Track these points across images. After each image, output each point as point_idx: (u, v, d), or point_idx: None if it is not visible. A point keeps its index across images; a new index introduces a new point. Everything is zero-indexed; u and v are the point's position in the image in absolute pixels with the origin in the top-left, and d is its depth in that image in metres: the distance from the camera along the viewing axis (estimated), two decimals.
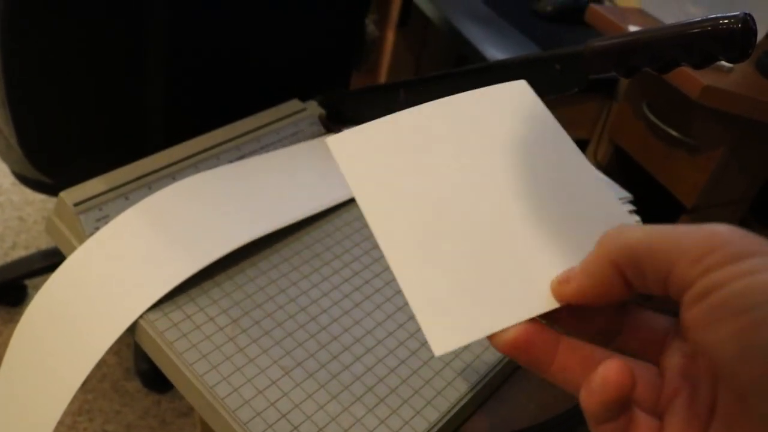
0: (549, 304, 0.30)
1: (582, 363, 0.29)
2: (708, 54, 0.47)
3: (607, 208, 0.34)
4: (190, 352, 0.51)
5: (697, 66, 0.48)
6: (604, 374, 0.27)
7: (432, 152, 0.35)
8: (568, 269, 0.31)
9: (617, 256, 0.27)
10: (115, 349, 1.38)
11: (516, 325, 0.29)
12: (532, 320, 0.30)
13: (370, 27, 1.00)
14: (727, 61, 0.46)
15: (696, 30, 0.46)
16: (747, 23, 0.45)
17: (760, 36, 1.09)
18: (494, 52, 1.22)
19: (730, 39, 0.45)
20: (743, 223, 1.25)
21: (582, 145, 1.37)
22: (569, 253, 0.32)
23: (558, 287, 0.30)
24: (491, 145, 0.36)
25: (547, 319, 0.31)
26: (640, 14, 1.14)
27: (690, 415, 0.27)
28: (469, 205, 0.33)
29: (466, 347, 0.54)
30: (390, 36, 1.85)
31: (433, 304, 0.30)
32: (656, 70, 0.49)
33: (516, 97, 0.40)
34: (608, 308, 0.31)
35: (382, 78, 1.93)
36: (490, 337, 0.29)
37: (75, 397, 1.32)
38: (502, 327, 0.29)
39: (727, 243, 0.25)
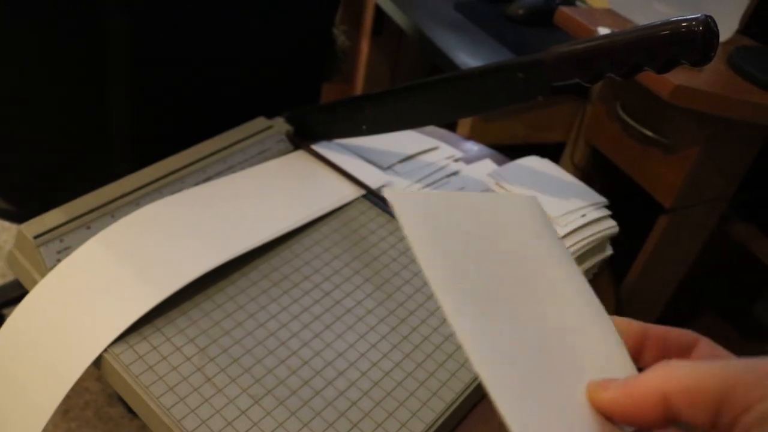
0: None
1: None
2: (670, 58, 0.46)
3: (615, 354, 0.34)
4: (156, 384, 0.49)
5: (660, 70, 0.47)
6: None
7: (480, 242, 0.35)
8: (606, 379, 0.30)
9: (670, 387, 0.27)
10: (97, 375, 1.36)
11: None
12: None
13: (341, 38, 0.99)
14: (690, 65, 0.45)
15: (656, 34, 0.46)
16: (708, 25, 0.45)
17: (729, 32, 1.09)
18: (466, 59, 1.21)
19: (691, 42, 0.45)
20: (725, 220, 1.25)
21: (559, 148, 1.36)
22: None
23: (594, 389, 0.30)
24: (520, 251, 0.36)
25: None
26: (610, 14, 1.13)
27: None
28: (518, 303, 0.33)
29: (443, 366, 0.53)
30: (365, 46, 1.84)
31: (522, 412, 0.28)
32: (620, 75, 0.49)
33: (533, 211, 0.40)
34: None
35: (359, 89, 1.92)
36: None
37: (58, 427, 1.30)
38: None
39: None
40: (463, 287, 0.31)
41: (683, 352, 0.31)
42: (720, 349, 0.31)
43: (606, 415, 0.29)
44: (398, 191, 0.35)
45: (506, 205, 0.39)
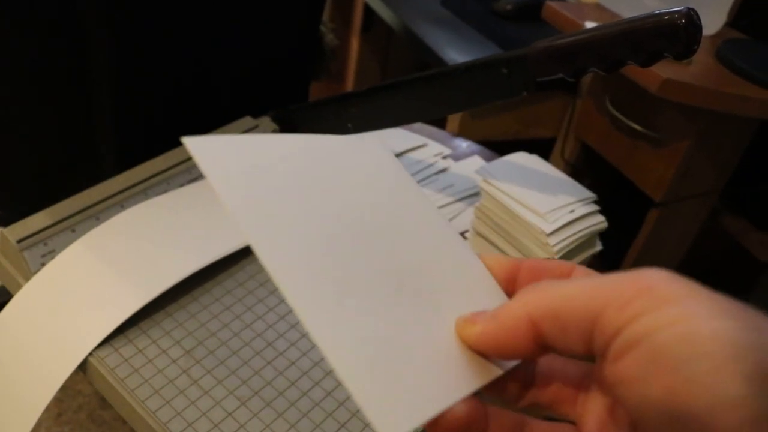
0: (488, 373, 0.28)
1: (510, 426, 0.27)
2: (653, 51, 0.46)
3: (483, 282, 0.31)
4: (142, 388, 0.49)
5: (644, 64, 0.47)
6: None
7: (307, 185, 0.30)
8: (475, 312, 0.28)
9: (538, 313, 0.25)
10: (88, 379, 1.35)
11: (460, 401, 0.26)
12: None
13: (329, 36, 0.99)
14: (673, 58, 0.45)
15: (639, 27, 0.45)
16: (691, 18, 0.44)
17: (718, 25, 1.09)
18: (454, 56, 1.21)
19: (674, 35, 0.45)
20: (715, 213, 1.25)
21: (549, 143, 1.36)
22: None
23: (462, 325, 0.28)
24: (354, 192, 0.32)
25: None
26: (598, 9, 1.13)
27: None
28: (363, 250, 0.29)
29: None
30: (354, 43, 1.83)
31: (372, 380, 0.25)
32: (603, 70, 0.48)
33: (373, 150, 0.35)
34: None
35: (349, 87, 1.92)
36: (429, 425, 0.26)
37: (50, 430, 1.29)
38: (441, 409, 0.26)
39: (655, 287, 0.22)
40: (294, 240, 0.27)
41: (559, 278, 0.29)
42: (595, 274, 0.28)
43: (478, 351, 0.27)
44: (199, 138, 0.28)
45: (343, 147, 0.34)
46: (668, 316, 0.21)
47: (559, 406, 0.28)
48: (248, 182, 0.28)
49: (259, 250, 0.26)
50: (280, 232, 0.27)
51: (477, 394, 0.27)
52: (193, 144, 0.28)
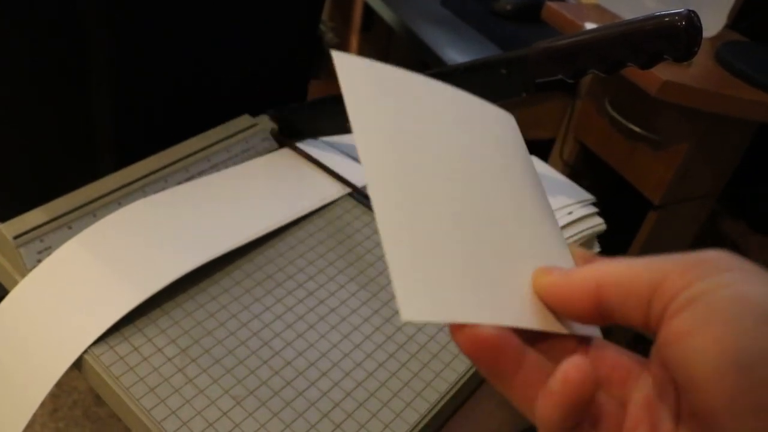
0: (545, 323, 0.29)
1: (546, 381, 0.28)
2: (653, 53, 0.45)
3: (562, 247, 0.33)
4: (137, 386, 0.49)
5: (644, 66, 0.47)
6: (565, 371, 0.26)
7: (435, 122, 0.33)
8: (554, 266, 0.30)
9: (605, 279, 0.27)
10: (83, 376, 1.35)
11: (498, 327, 0.27)
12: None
13: (329, 35, 0.99)
14: (674, 60, 0.45)
15: (639, 29, 0.45)
16: (691, 20, 0.44)
17: (717, 28, 1.09)
18: (454, 56, 1.21)
19: (674, 37, 0.44)
20: (714, 216, 1.25)
21: (548, 144, 1.36)
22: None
23: (538, 273, 0.30)
24: (486, 146, 0.34)
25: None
26: (598, 10, 1.13)
27: None
28: (466, 185, 0.31)
29: (428, 366, 0.52)
30: (354, 42, 1.83)
31: (416, 268, 0.27)
32: (603, 71, 0.48)
33: (507, 124, 0.38)
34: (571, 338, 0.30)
35: None
36: (457, 329, 0.27)
37: (45, 426, 1.29)
38: (479, 321, 0.27)
39: (713, 258, 0.25)
40: (401, 167, 0.29)
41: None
42: None
43: (544, 300, 0.29)
44: (349, 56, 0.31)
45: (477, 107, 0.36)
46: (723, 279, 0.24)
47: (608, 388, 0.29)
48: (376, 109, 0.30)
49: (366, 170, 0.28)
50: (388, 157, 0.29)
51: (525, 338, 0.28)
52: (339, 59, 0.30)
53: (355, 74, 0.30)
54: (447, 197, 0.30)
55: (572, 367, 0.26)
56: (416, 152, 0.30)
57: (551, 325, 0.29)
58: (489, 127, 0.36)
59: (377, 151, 0.29)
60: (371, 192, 0.27)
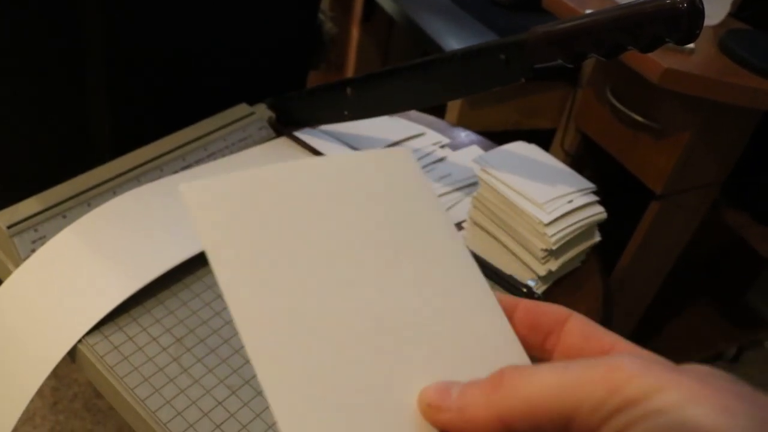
0: None
1: None
2: (654, 36, 0.45)
3: (495, 325, 0.29)
4: (131, 375, 0.48)
5: (644, 49, 0.46)
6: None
7: (302, 222, 0.29)
8: (440, 389, 0.26)
9: (510, 415, 0.24)
10: (78, 366, 1.35)
11: None
12: None
13: (328, 24, 0.98)
14: (675, 43, 0.44)
15: (640, 11, 0.44)
16: (693, 3, 0.43)
17: (721, 15, 1.08)
18: (455, 45, 1.20)
19: (676, 19, 0.44)
20: (716, 206, 1.24)
21: (549, 134, 1.35)
22: (448, 371, 0.28)
23: (428, 411, 0.26)
24: (369, 223, 0.30)
25: None
26: None
27: None
28: (341, 293, 0.28)
29: None
30: (355, 32, 1.82)
31: (303, 416, 0.25)
32: (602, 55, 0.47)
33: (398, 168, 0.33)
34: None
35: (349, 75, 1.91)
36: None
37: (46, 419, 1.29)
38: None
39: (627, 382, 0.22)
40: (273, 303, 0.26)
41: (555, 325, 0.28)
42: (592, 325, 0.27)
43: None
44: (196, 185, 0.28)
45: (359, 169, 0.32)
46: (641, 414, 0.21)
47: None
48: (235, 235, 0.28)
49: (234, 314, 0.26)
50: (256, 290, 0.27)
51: None
52: (187, 193, 0.27)
53: (207, 209, 0.28)
54: (331, 316, 0.27)
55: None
56: (289, 277, 0.27)
57: None
58: (376, 192, 0.31)
59: (245, 295, 0.26)
60: (245, 344, 0.25)
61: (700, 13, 0.43)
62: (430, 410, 0.26)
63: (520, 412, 0.24)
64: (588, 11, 1.04)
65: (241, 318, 0.26)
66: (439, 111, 1.06)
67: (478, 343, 0.29)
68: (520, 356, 0.29)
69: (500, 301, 0.30)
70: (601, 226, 0.70)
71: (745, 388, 0.22)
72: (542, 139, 0.85)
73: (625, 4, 0.45)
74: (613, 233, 0.75)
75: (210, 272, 0.55)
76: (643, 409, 0.21)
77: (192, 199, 0.27)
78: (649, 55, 0.94)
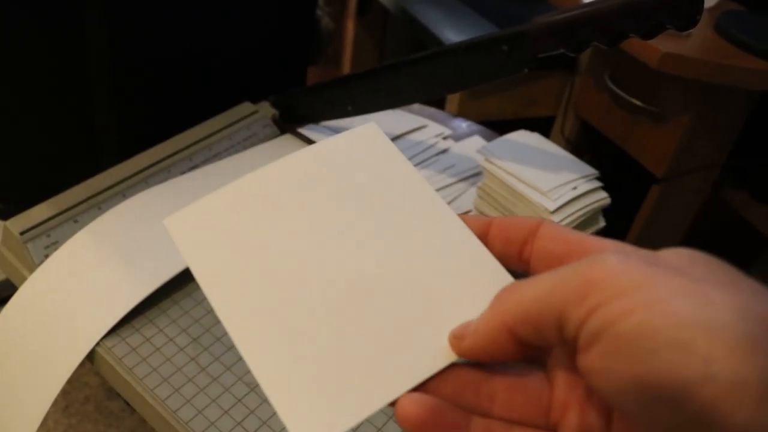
0: (433, 366, 0.28)
1: None
2: (655, 23, 0.45)
3: (478, 259, 0.31)
4: (150, 376, 0.49)
5: (646, 36, 0.46)
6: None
7: (280, 220, 0.31)
8: (463, 324, 0.28)
9: (512, 321, 0.26)
10: (96, 369, 1.36)
11: (414, 398, 0.26)
12: (437, 399, 0.27)
13: (325, 19, 0.98)
14: (676, 29, 0.45)
15: None
16: None
17: None
18: (452, 36, 1.20)
19: (677, 6, 0.44)
20: (717, 187, 1.25)
21: (548, 122, 1.35)
22: (450, 313, 0.30)
23: (454, 342, 0.28)
24: (343, 203, 0.32)
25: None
26: None
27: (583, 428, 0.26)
28: (325, 273, 0.30)
29: None
30: (350, 26, 1.82)
31: (296, 390, 0.26)
32: (605, 44, 0.48)
33: (367, 144, 0.35)
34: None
35: (346, 70, 1.91)
36: (396, 413, 0.27)
37: (59, 422, 1.30)
38: (385, 402, 0.27)
39: (605, 279, 0.23)
40: (257, 310, 0.29)
41: (527, 234, 0.29)
42: (563, 229, 0.29)
43: (475, 360, 0.28)
44: (176, 216, 0.31)
45: (334, 151, 0.33)
46: (622, 306, 0.22)
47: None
48: (213, 248, 0.30)
49: (226, 325, 0.28)
50: (236, 285, 0.29)
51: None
52: (170, 225, 0.30)
53: (188, 234, 0.30)
54: (311, 298, 0.29)
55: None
56: (267, 261, 0.30)
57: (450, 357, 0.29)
58: (349, 171, 0.33)
59: (224, 293, 0.29)
60: (229, 331, 0.27)
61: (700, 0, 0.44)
62: (456, 341, 0.28)
63: (520, 318, 0.26)
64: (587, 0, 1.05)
65: (221, 311, 0.28)
66: (439, 102, 1.06)
67: (458, 274, 0.31)
68: (503, 276, 0.31)
69: (473, 224, 0.32)
70: (604, 211, 0.71)
71: (725, 272, 0.24)
72: (542, 127, 0.85)
73: None
74: (616, 218, 0.75)
75: None
76: (619, 306, 0.22)
77: (174, 229, 0.30)
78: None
